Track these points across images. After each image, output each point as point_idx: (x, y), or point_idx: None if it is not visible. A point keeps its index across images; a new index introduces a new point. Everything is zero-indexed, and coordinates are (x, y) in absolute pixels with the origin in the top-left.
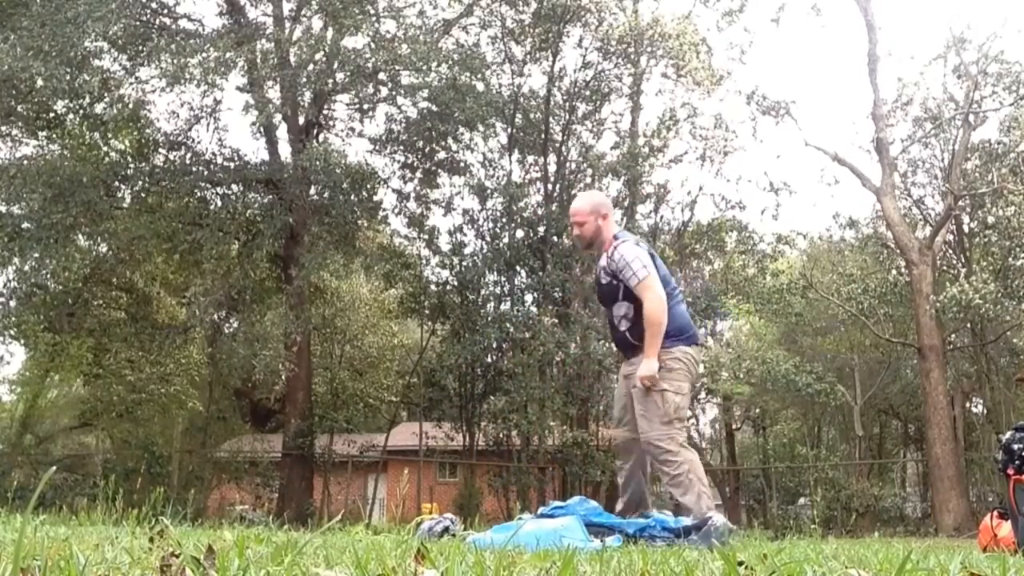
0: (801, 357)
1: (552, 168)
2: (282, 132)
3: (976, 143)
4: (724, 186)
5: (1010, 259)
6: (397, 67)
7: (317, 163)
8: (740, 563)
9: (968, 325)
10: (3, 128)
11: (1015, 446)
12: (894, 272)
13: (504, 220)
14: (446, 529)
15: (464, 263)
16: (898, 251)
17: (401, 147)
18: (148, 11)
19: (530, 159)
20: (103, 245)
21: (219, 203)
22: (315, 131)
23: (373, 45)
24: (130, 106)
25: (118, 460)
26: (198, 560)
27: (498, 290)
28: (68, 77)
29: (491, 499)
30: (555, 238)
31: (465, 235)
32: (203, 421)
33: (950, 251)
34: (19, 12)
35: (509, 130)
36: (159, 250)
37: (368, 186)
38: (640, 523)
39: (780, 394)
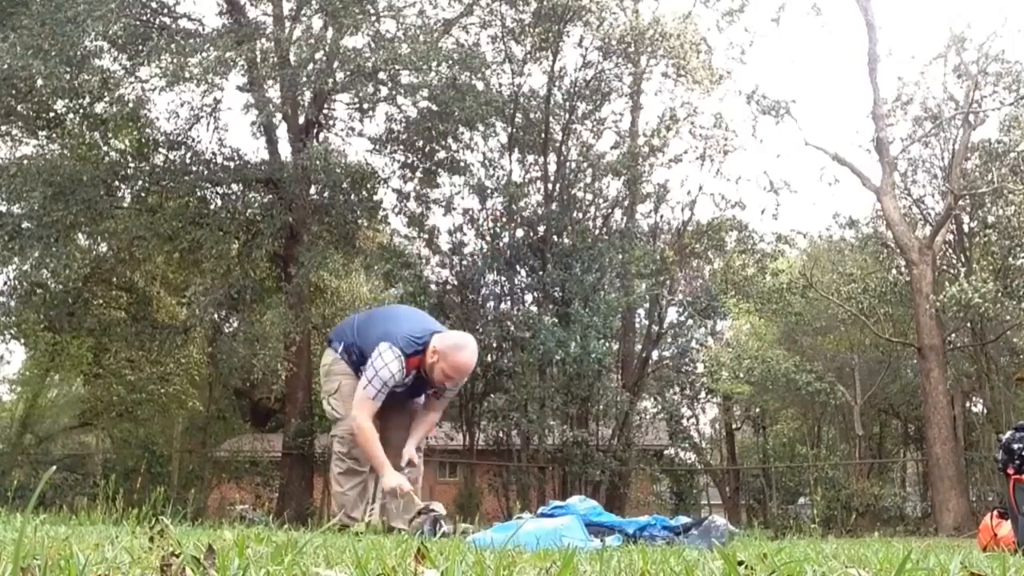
0: (801, 356)
1: (552, 168)
2: (282, 132)
3: (976, 142)
4: (724, 185)
5: (1010, 259)
6: (397, 66)
7: (317, 163)
8: (740, 563)
9: (968, 324)
10: (3, 128)
11: (1015, 446)
12: (894, 272)
13: (504, 220)
14: (436, 520)
15: (464, 263)
16: (898, 250)
17: (401, 147)
18: (148, 10)
19: (530, 159)
20: (103, 244)
21: (219, 203)
22: (315, 130)
23: (373, 44)
24: (130, 106)
25: (118, 460)
26: (198, 560)
27: (498, 289)
28: (68, 76)
29: (491, 498)
30: (555, 238)
31: (465, 235)
32: (203, 421)
33: (950, 251)
34: (19, 11)
35: (509, 130)
36: (159, 250)
37: (368, 186)
38: (640, 522)
39: (780, 393)
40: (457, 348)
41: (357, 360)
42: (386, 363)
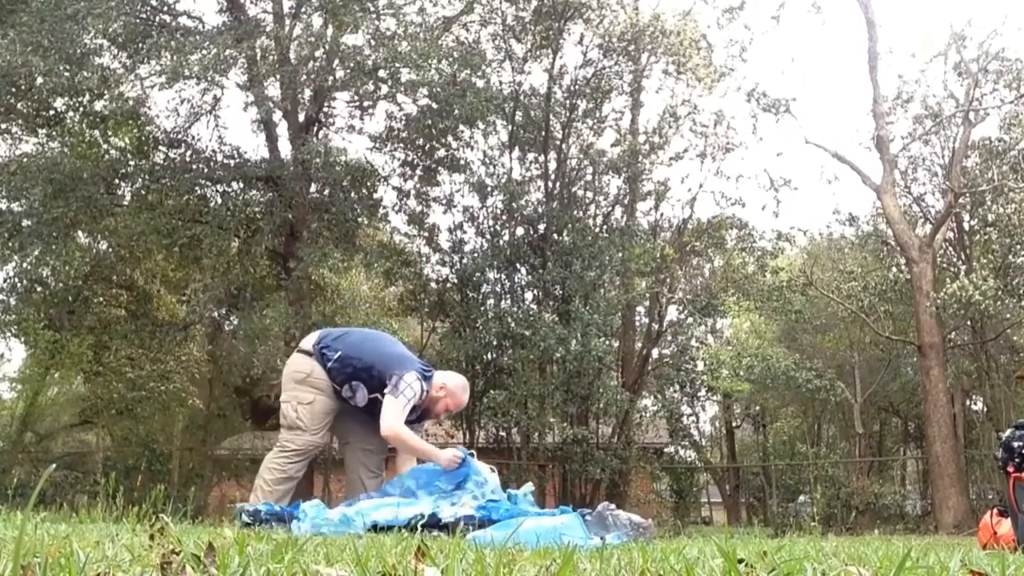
0: (801, 354)
1: (552, 166)
2: (282, 130)
3: (976, 140)
4: (724, 183)
5: (1010, 256)
6: (397, 64)
7: (317, 159)
8: (740, 560)
9: (968, 322)
10: (2, 125)
11: (1015, 444)
12: (894, 270)
13: (504, 218)
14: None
15: (464, 261)
16: (898, 248)
17: (401, 144)
18: (148, 8)
19: (530, 156)
20: (103, 242)
21: (219, 200)
22: (315, 128)
23: (373, 42)
24: (130, 103)
25: (118, 457)
26: (198, 557)
27: (498, 287)
28: (68, 74)
29: None
30: (555, 235)
31: (465, 233)
32: (203, 418)
33: (950, 248)
34: (19, 8)
35: (509, 127)
36: (159, 247)
37: (368, 183)
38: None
39: (780, 391)
40: (463, 389)
41: (344, 378)
42: (415, 391)
